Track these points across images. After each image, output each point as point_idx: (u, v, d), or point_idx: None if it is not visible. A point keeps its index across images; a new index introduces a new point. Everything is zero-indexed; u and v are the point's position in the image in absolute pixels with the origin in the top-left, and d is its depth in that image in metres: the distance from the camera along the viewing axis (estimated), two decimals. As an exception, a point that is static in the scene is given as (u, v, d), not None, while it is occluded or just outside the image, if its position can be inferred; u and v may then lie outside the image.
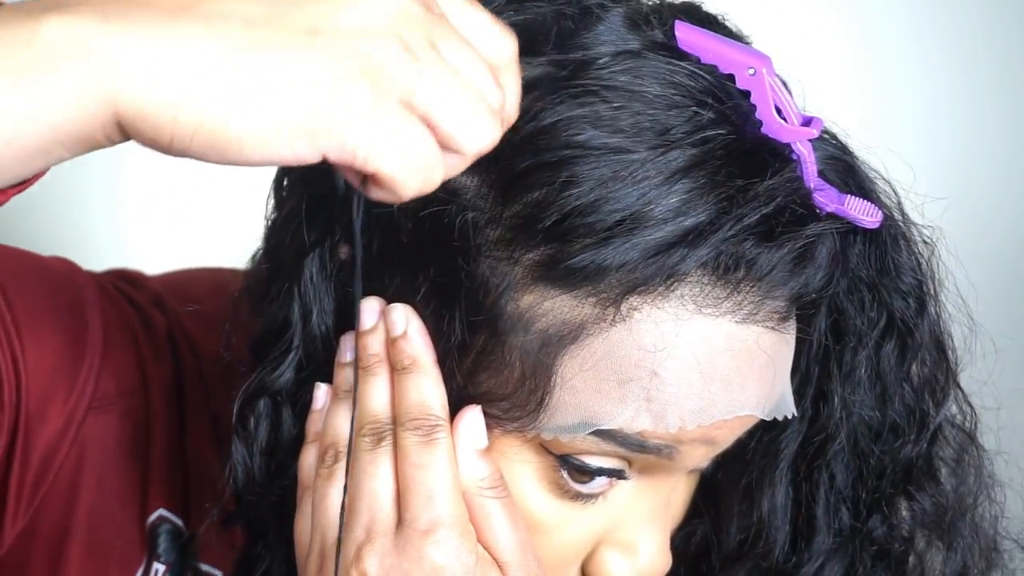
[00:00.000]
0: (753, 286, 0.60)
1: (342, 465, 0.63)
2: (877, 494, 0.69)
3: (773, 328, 0.61)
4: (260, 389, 0.66)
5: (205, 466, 0.75)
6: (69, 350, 0.70)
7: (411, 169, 0.52)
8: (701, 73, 0.60)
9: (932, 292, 0.66)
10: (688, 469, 0.65)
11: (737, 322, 0.60)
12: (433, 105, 0.52)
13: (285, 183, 0.68)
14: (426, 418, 0.61)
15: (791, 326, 0.63)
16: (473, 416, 0.62)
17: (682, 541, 0.73)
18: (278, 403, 0.67)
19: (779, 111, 0.60)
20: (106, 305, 0.73)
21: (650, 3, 0.63)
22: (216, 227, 1.11)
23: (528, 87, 0.59)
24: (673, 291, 0.59)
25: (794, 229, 0.60)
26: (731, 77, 0.61)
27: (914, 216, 0.66)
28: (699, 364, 0.59)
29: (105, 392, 0.71)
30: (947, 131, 1.18)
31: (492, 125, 0.54)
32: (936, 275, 0.67)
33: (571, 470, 0.63)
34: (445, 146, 0.53)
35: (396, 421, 0.62)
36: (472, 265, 0.60)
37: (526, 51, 0.59)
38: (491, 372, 0.61)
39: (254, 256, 0.73)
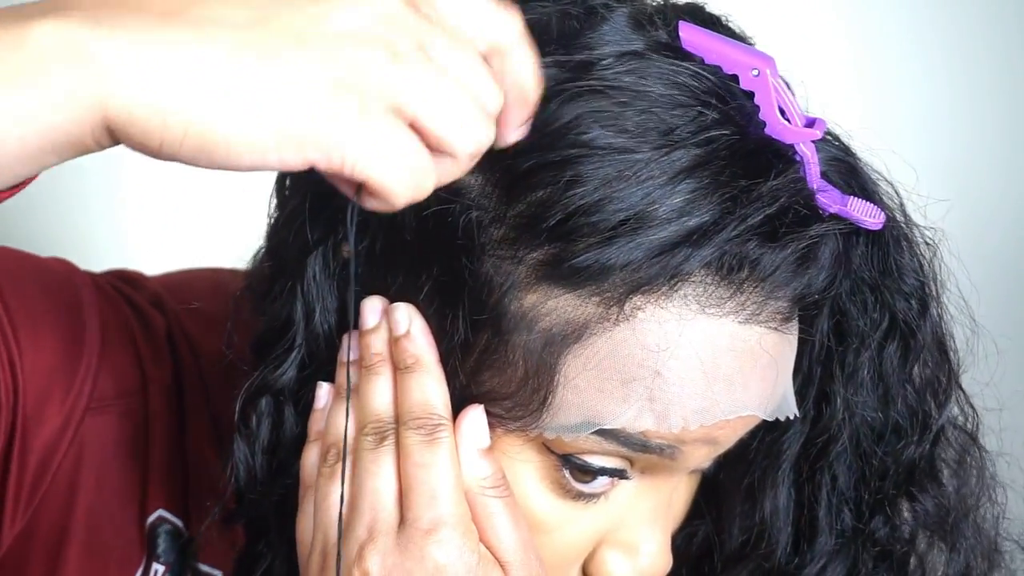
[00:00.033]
0: (756, 286, 0.60)
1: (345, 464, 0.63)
2: (879, 495, 0.69)
3: (776, 329, 0.61)
4: (262, 387, 0.66)
5: (205, 466, 0.75)
6: (66, 351, 0.70)
7: (400, 175, 0.52)
8: (705, 74, 0.60)
9: (934, 293, 0.67)
10: (690, 469, 0.65)
11: (740, 322, 0.60)
12: (421, 109, 0.52)
13: (287, 182, 0.68)
14: (429, 417, 0.62)
15: (793, 327, 0.63)
16: (475, 415, 0.62)
17: (683, 542, 0.73)
18: (280, 401, 0.67)
19: (783, 112, 0.61)
20: (104, 305, 0.73)
21: (654, 4, 0.63)
22: (216, 227, 1.11)
23: None
24: (677, 291, 0.59)
25: (797, 230, 0.60)
26: (735, 78, 0.61)
27: (916, 217, 0.66)
28: (702, 364, 0.59)
29: (103, 393, 0.71)
30: (947, 132, 1.19)
31: (483, 126, 0.54)
32: (938, 277, 0.67)
33: (573, 470, 0.63)
34: (437, 150, 0.53)
35: (399, 420, 0.62)
36: (476, 264, 0.60)
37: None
38: (494, 371, 0.61)
39: (256, 254, 0.73)
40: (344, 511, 0.62)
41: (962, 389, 0.69)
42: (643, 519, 0.65)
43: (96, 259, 0.87)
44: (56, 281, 0.72)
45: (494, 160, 0.59)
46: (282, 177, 0.69)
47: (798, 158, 0.61)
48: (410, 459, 0.61)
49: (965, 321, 0.68)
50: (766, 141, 0.61)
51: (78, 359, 0.70)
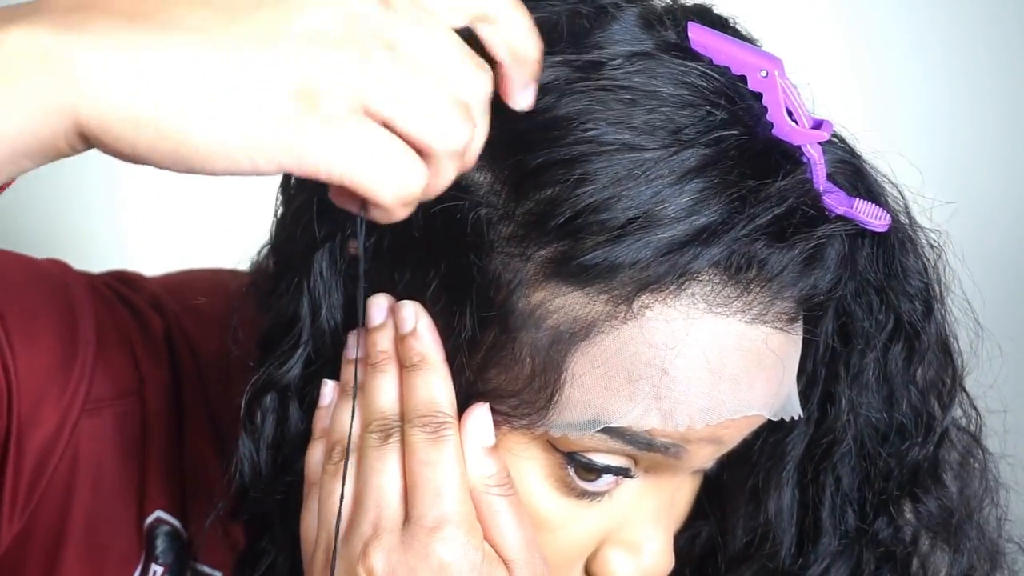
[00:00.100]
0: (763, 286, 0.60)
1: (350, 462, 0.63)
2: (883, 496, 0.69)
3: (782, 329, 0.61)
4: (268, 384, 0.66)
5: (204, 467, 0.74)
6: (61, 352, 0.70)
7: (378, 175, 0.52)
8: (714, 74, 0.60)
9: (938, 296, 0.67)
10: (694, 469, 0.66)
11: (746, 322, 0.60)
12: (390, 109, 0.52)
13: (293, 180, 0.68)
14: (434, 415, 0.62)
15: (799, 327, 0.63)
16: (481, 413, 0.62)
17: (687, 542, 0.73)
18: (286, 398, 0.67)
19: (790, 114, 0.61)
20: (99, 306, 0.73)
21: (663, 4, 0.64)
22: (216, 228, 1.11)
23: (542, 84, 0.59)
24: (684, 290, 0.59)
25: (805, 230, 0.60)
26: (743, 79, 0.61)
27: (921, 220, 0.67)
28: (709, 363, 0.60)
29: (99, 394, 0.71)
30: (947, 133, 1.19)
31: (459, 121, 0.53)
32: (942, 279, 0.67)
33: (578, 468, 0.63)
34: (417, 149, 0.53)
35: (404, 418, 0.62)
36: (484, 261, 0.60)
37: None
38: (501, 368, 0.61)
39: (260, 251, 0.73)
40: (349, 508, 0.62)
41: (965, 391, 0.69)
42: (646, 518, 0.65)
43: (96, 259, 0.87)
44: (50, 282, 0.72)
45: (503, 157, 0.59)
46: (288, 174, 0.68)
47: (805, 159, 0.61)
48: (415, 456, 0.61)
49: (969, 323, 0.69)
50: (774, 142, 0.61)
51: (73, 360, 0.70)
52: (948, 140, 1.18)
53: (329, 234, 0.64)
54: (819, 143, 0.61)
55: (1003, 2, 1.18)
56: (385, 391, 0.63)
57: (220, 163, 0.50)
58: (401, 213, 0.54)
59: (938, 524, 0.70)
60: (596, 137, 0.58)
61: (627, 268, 0.58)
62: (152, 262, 0.88)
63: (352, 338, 0.65)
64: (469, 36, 0.55)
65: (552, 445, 0.62)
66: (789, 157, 0.61)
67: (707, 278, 0.59)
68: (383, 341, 0.63)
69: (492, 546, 0.62)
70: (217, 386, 0.75)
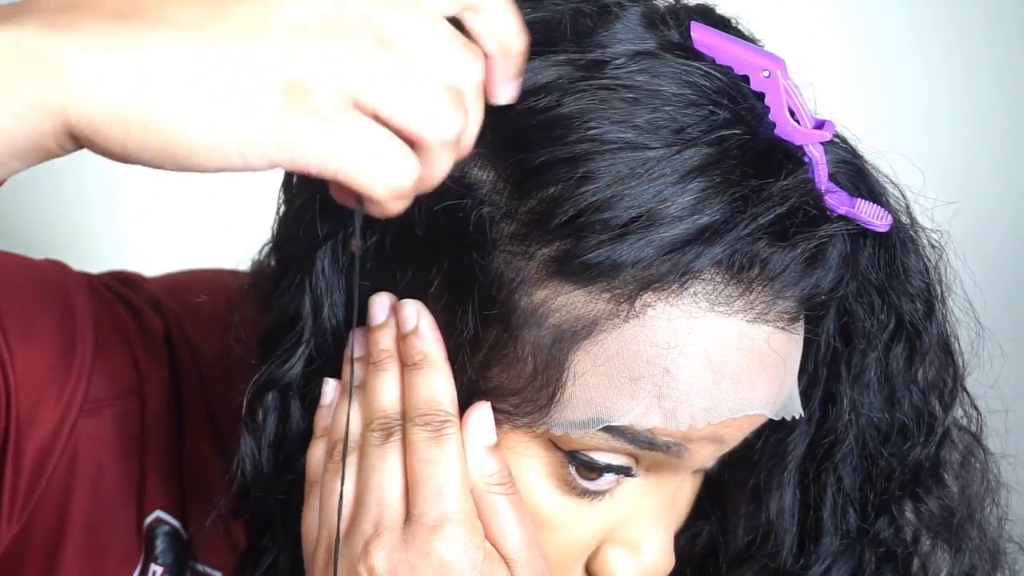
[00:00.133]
0: (765, 285, 0.60)
1: (351, 460, 0.63)
2: (885, 496, 0.69)
3: (783, 328, 0.61)
4: (269, 382, 0.66)
5: (203, 467, 0.74)
6: (59, 353, 0.70)
7: (371, 169, 0.51)
8: (716, 74, 0.61)
9: (940, 296, 0.67)
10: (695, 468, 0.66)
11: (748, 321, 0.60)
12: (378, 101, 0.51)
13: (295, 178, 0.68)
14: (435, 414, 0.62)
15: (800, 327, 0.63)
16: (482, 412, 0.62)
17: (688, 542, 0.73)
18: (287, 396, 0.67)
19: (792, 114, 0.61)
20: (97, 307, 0.73)
21: (666, 4, 0.64)
22: (216, 228, 1.11)
23: (545, 83, 0.59)
24: (687, 289, 0.59)
25: (807, 230, 0.60)
26: (746, 79, 0.61)
27: (922, 220, 0.67)
28: (711, 362, 0.60)
29: (98, 394, 0.71)
30: (947, 133, 1.19)
31: (450, 110, 0.52)
32: (944, 279, 0.67)
33: (579, 466, 0.63)
34: (409, 140, 0.52)
35: (405, 417, 0.62)
36: (486, 259, 0.60)
37: (544, 47, 0.60)
38: (503, 367, 0.61)
39: (261, 250, 0.73)
40: (350, 507, 0.62)
41: (967, 391, 0.69)
42: (647, 517, 0.65)
43: (96, 259, 0.87)
44: (49, 283, 0.72)
45: (505, 156, 0.59)
46: (290, 173, 0.69)
47: (807, 159, 0.61)
48: (416, 455, 0.61)
49: (970, 323, 0.69)
50: (776, 142, 0.61)
51: (71, 360, 0.70)
52: (949, 140, 1.18)
53: (331, 232, 0.64)
54: (821, 143, 0.61)
55: (1003, 2, 1.18)
56: (387, 390, 0.63)
57: (212, 160, 0.50)
58: (396, 206, 0.53)
59: (939, 524, 0.70)
60: (599, 136, 0.58)
61: (629, 267, 0.58)
62: (152, 262, 0.88)
63: (352, 337, 0.65)
64: (457, 27, 0.54)
65: (553, 444, 0.62)
66: (791, 157, 0.61)
67: (709, 277, 0.59)
68: (385, 340, 0.63)
69: (493, 545, 0.62)
70: (217, 386, 0.74)
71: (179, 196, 1.15)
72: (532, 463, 0.63)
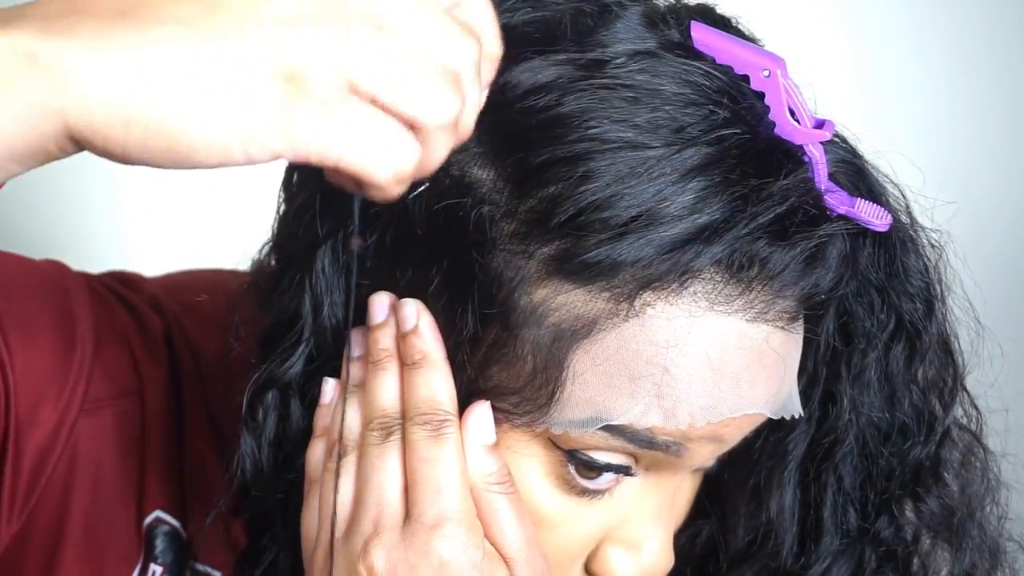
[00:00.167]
0: (765, 285, 0.60)
1: (350, 460, 0.63)
2: (885, 495, 0.69)
3: (783, 328, 0.61)
4: (269, 381, 0.66)
5: (203, 467, 0.74)
6: (59, 353, 0.70)
7: (372, 155, 0.51)
8: (716, 73, 0.61)
9: (939, 295, 0.67)
10: (694, 467, 0.66)
11: (748, 320, 0.60)
12: (375, 85, 0.51)
13: (295, 177, 0.68)
14: (435, 413, 0.62)
15: (800, 326, 0.63)
16: (482, 411, 0.62)
17: (688, 541, 0.73)
18: (287, 395, 0.67)
19: (792, 113, 0.61)
20: (97, 307, 0.73)
21: (666, 4, 0.64)
22: (216, 228, 1.11)
23: (545, 82, 0.59)
24: (686, 288, 0.59)
25: (807, 229, 0.60)
26: (746, 78, 0.61)
27: (921, 220, 0.67)
28: (710, 361, 0.60)
29: (98, 394, 0.71)
30: (947, 133, 1.19)
31: (448, 92, 0.52)
32: (943, 278, 0.67)
33: (579, 465, 0.63)
34: (407, 123, 0.52)
35: (405, 416, 0.62)
36: (486, 258, 0.60)
37: (544, 47, 0.60)
38: (502, 366, 0.61)
39: (261, 249, 0.73)
40: (350, 506, 0.62)
41: (967, 390, 0.70)
42: (647, 516, 0.65)
43: (96, 259, 0.87)
44: (48, 284, 0.72)
45: (505, 155, 0.59)
46: (290, 172, 0.69)
47: (807, 159, 0.61)
48: (416, 454, 0.61)
49: (970, 323, 0.69)
50: (776, 141, 0.61)
51: (70, 361, 0.70)
52: (949, 140, 1.19)
53: (331, 231, 0.64)
54: (821, 143, 0.61)
55: (1003, 2, 1.18)
56: (386, 389, 0.63)
57: (213, 156, 0.50)
58: (396, 190, 0.53)
59: (939, 523, 0.70)
60: (599, 135, 0.58)
61: (629, 266, 0.58)
62: (152, 262, 0.88)
63: (352, 336, 0.65)
64: None
65: (553, 443, 0.62)
66: (791, 156, 0.61)
67: (709, 276, 0.59)
68: (385, 339, 0.63)
69: (492, 544, 0.62)
70: (217, 386, 0.74)
71: (179, 196, 1.15)
72: (531, 462, 0.63)
